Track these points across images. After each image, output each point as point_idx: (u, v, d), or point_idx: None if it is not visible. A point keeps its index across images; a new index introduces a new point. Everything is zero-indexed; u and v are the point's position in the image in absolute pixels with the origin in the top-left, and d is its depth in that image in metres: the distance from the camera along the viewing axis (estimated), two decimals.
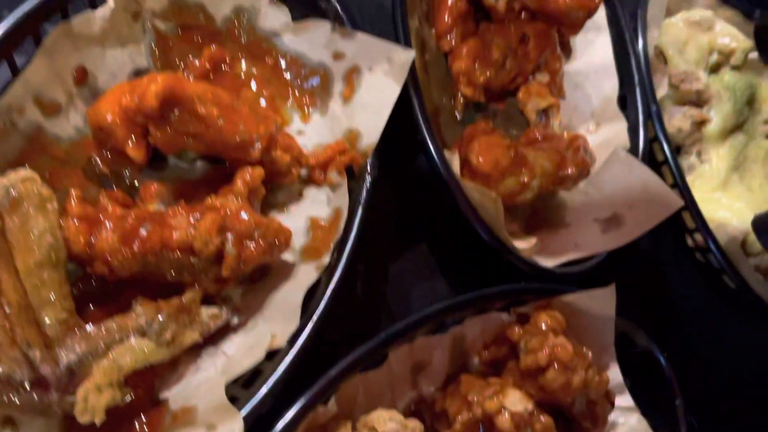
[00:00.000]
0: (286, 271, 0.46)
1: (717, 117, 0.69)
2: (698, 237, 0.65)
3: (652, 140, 0.65)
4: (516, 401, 0.46)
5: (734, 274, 0.65)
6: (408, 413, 0.49)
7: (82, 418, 0.37)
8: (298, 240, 0.47)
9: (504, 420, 0.46)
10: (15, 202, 0.38)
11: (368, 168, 0.47)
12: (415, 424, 0.45)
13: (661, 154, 0.65)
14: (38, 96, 0.42)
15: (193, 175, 0.48)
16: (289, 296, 0.45)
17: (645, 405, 0.56)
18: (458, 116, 0.59)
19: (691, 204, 0.64)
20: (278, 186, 0.49)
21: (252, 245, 0.42)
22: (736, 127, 0.70)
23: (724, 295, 0.68)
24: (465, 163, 0.52)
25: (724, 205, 0.68)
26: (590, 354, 0.51)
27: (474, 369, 0.53)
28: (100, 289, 0.43)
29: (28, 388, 0.35)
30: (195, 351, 0.43)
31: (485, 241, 0.51)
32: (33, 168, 0.41)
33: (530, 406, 0.47)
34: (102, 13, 0.43)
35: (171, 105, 0.42)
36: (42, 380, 0.36)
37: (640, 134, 0.63)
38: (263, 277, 0.46)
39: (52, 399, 0.37)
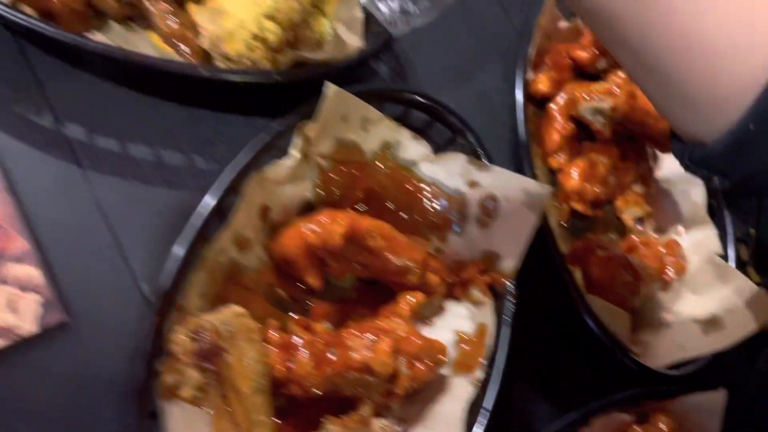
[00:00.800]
0: (440, 383, 0.52)
1: None
2: None
3: (737, 240, 0.71)
4: None
5: None
6: None
7: None
8: (448, 353, 0.52)
9: None
10: (231, 336, 0.44)
11: (513, 289, 0.53)
12: None
13: (744, 254, 0.71)
14: (237, 236, 0.48)
15: (352, 294, 0.54)
16: (447, 408, 0.50)
17: None
18: (565, 225, 0.65)
19: None
20: None
21: (421, 365, 0.48)
22: None
23: None
24: (585, 276, 0.58)
25: None
26: None
27: None
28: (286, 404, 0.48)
29: None
30: None
31: (607, 348, 0.56)
32: (228, 298, 0.48)
33: None
34: (289, 162, 0.50)
35: (349, 241, 0.49)
36: None
37: (728, 236, 0.69)
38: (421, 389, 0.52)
39: None
